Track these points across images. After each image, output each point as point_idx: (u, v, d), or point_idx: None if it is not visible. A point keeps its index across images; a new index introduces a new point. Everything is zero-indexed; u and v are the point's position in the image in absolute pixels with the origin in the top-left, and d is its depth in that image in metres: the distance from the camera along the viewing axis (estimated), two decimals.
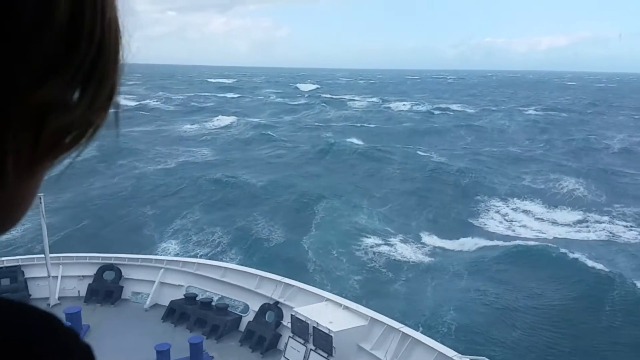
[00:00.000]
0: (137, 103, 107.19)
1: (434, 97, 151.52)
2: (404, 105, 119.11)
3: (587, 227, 35.99)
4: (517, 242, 32.15)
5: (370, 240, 32.90)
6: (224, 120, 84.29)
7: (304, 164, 52.45)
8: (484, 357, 8.29)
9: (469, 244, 32.98)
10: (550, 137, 74.41)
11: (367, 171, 49.68)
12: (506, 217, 38.15)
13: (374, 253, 31.11)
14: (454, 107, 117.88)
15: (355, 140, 66.15)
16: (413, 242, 33.20)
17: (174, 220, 35.20)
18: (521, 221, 37.27)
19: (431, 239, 33.69)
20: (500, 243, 32.31)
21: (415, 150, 60.93)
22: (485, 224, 37.09)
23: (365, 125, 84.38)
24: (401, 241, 33.12)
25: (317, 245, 31.90)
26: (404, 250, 31.80)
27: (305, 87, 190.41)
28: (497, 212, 39.41)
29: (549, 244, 31.26)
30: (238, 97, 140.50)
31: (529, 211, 39.57)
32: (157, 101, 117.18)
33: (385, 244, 32.49)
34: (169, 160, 54.08)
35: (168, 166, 51.35)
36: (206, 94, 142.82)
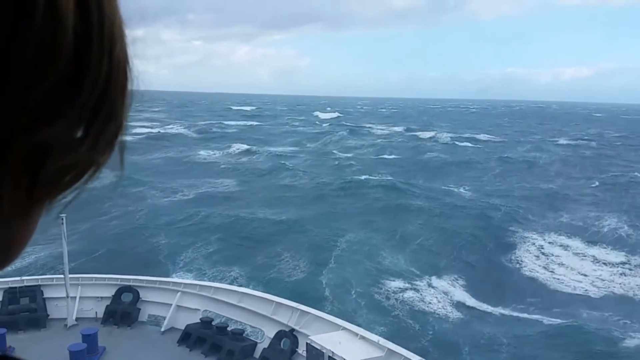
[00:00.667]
0: (159, 130, 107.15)
1: (460, 126, 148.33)
2: (428, 135, 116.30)
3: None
4: (559, 311, 27.77)
5: (394, 283, 29.95)
6: (242, 148, 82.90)
7: (321, 197, 49.73)
8: None
9: (505, 301, 29.09)
10: (583, 170, 70.86)
11: (390, 206, 46.68)
12: (546, 267, 34.14)
13: (397, 299, 28.13)
14: (481, 137, 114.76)
15: (378, 172, 63.58)
16: (440, 289, 30.05)
17: (185, 252, 33.54)
18: (561, 273, 33.14)
19: (461, 290, 30.17)
20: (541, 307, 28.22)
21: (442, 185, 57.91)
22: (522, 271, 33.68)
23: (388, 156, 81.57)
24: (427, 286, 30.05)
25: (335, 283, 29.23)
26: (430, 297, 28.72)
27: (326, 115, 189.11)
28: (534, 255, 35.96)
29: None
30: (258, 124, 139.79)
31: (569, 255, 36.10)
32: (180, 127, 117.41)
33: (409, 288, 29.49)
34: (187, 190, 52.19)
35: (185, 197, 49.44)
36: (229, 122, 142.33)
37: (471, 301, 28.69)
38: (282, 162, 70.28)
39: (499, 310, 27.76)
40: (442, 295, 29.27)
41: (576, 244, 37.87)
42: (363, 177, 59.65)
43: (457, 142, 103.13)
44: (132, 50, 0.50)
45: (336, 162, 73.33)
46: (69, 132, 0.46)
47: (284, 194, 51.07)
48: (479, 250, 36.39)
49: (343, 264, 32.63)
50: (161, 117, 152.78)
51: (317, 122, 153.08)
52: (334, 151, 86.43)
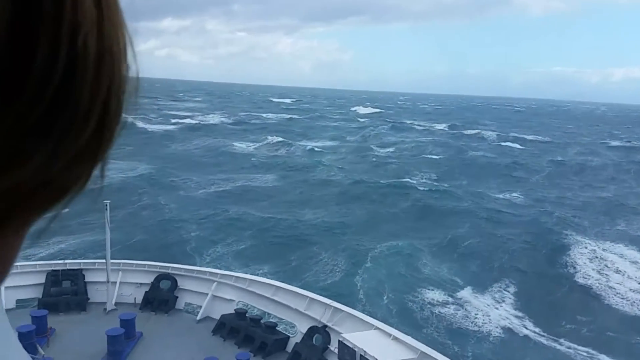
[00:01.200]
0: (198, 121, 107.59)
1: (505, 125, 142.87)
2: (472, 132, 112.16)
3: None
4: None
5: (431, 295, 27.83)
6: (278, 140, 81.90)
7: (358, 197, 47.52)
8: None
9: (557, 322, 26.40)
10: (638, 176, 66.35)
11: (431, 208, 44.14)
12: (604, 284, 30.85)
13: (433, 312, 26.01)
14: (529, 137, 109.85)
15: (419, 172, 61.06)
16: (484, 302, 27.72)
17: (215, 247, 32.85)
18: (620, 293, 29.95)
19: (508, 306, 27.71)
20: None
21: (487, 188, 54.81)
22: (577, 286, 30.79)
23: (429, 155, 78.50)
24: (468, 299, 27.74)
25: (368, 291, 27.43)
26: (473, 312, 26.44)
27: (365, 110, 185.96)
28: (590, 268, 32.97)
29: None
30: (298, 117, 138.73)
31: (629, 268, 33.00)
32: (219, 117, 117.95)
33: (449, 302, 27.30)
34: (223, 183, 51.24)
35: (221, 189, 48.49)
36: (268, 114, 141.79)
37: (518, 320, 26.21)
38: (318, 157, 68.69)
39: (549, 332, 25.23)
40: (486, 309, 26.94)
41: (634, 254, 34.78)
42: (404, 176, 57.27)
43: (502, 143, 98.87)
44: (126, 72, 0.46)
45: (374, 159, 71.10)
46: (47, 169, 0.43)
47: (319, 192, 49.31)
48: (529, 261, 33.62)
49: (379, 268, 30.74)
50: (202, 107, 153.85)
51: (356, 118, 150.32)
52: (373, 147, 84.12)
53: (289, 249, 33.10)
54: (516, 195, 52.32)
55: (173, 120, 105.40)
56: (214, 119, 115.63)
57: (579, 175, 67.31)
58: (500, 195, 52.21)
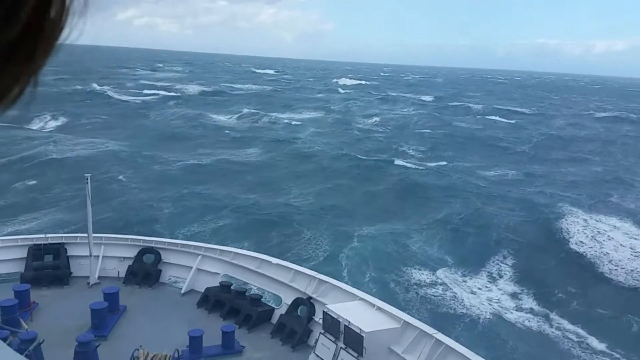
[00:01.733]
0: (175, 92, 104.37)
1: (493, 98, 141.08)
2: (456, 104, 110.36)
3: None
4: None
5: (418, 274, 26.27)
6: (256, 112, 79.62)
7: (339, 172, 45.49)
8: None
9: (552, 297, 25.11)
10: (625, 147, 65.57)
11: (415, 184, 42.02)
12: (597, 257, 29.46)
13: (419, 290, 24.73)
14: (515, 109, 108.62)
15: (403, 145, 58.93)
16: (473, 282, 26.28)
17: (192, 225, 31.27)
18: (614, 267, 28.75)
19: (501, 285, 26.34)
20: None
21: (474, 162, 53.00)
22: (570, 262, 29.46)
23: (414, 129, 75.93)
24: (455, 281, 26.23)
25: (351, 270, 25.80)
26: (465, 288, 25.12)
27: (348, 81, 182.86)
28: (584, 241, 31.57)
29: None
30: (280, 88, 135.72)
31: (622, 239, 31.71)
32: (197, 87, 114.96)
33: (437, 279, 25.89)
34: (203, 157, 48.77)
35: (197, 162, 46.13)
36: (251, 85, 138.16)
37: (509, 298, 24.88)
38: (299, 130, 66.45)
39: (543, 307, 23.95)
40: (476, 289, 25.54)
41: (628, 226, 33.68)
42: (386, 150, 55.25)
43: (487, 116, 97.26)
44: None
45: (357, 132, 69.00)
46: None
47: (300, 166, 47.13)
48: (520, 239, 32.12)
49: (364, 245, 29.00)
50: (181, 77, 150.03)
51: (339, 89, 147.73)
52: (356, 119, 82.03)
53: (270, 225, 31.27)
54: (502, 169, 50.76)
55: (149, 91, 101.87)
56: (192, 89, 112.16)
57: (566, 146, 66.19)
58: (488, 167, 50.87)
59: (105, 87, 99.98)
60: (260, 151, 53.19)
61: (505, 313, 23.43)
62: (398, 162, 50.00)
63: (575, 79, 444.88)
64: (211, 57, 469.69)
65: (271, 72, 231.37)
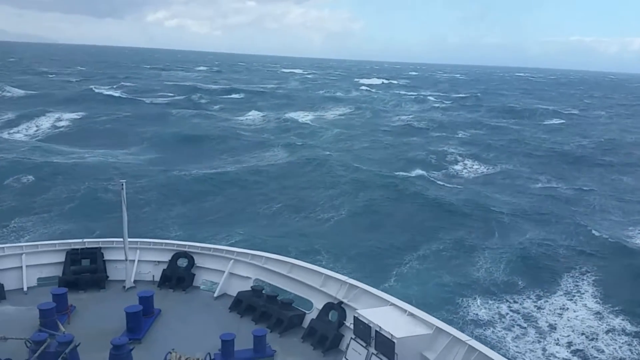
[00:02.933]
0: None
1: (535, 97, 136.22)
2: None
3: None
4: None
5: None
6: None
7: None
8: None
9: None
10: None
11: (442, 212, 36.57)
12: None
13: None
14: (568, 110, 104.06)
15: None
16: None
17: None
18: None
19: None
20: None
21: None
22: None
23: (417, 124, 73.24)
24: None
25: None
26: None
27: (370, 81, 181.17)
28: None
29: None
30: (309, 86, 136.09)
31: None
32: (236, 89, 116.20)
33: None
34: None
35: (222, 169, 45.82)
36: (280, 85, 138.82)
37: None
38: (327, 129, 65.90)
39: None
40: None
41: None
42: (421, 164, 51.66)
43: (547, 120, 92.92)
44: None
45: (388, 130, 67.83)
46: None
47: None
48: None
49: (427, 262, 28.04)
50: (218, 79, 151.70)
51: (368, 89, 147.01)
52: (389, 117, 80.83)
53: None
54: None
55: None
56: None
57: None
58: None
59: None
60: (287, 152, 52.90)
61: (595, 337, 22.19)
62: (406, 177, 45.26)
63: (610, 76, 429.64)
64: (240, 58, 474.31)
65: (298, 71, 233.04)
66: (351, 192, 39.49)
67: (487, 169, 51.19)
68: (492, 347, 8.92)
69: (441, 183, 45.07)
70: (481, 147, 60.50)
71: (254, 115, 79.66)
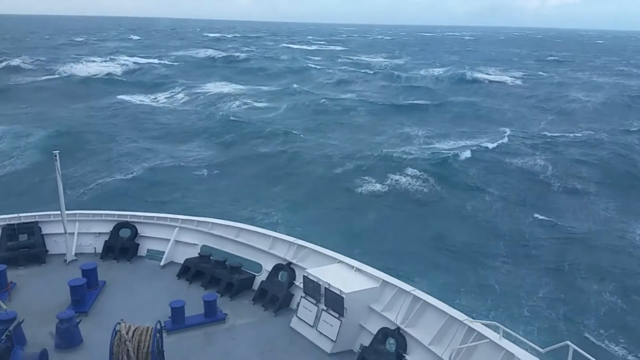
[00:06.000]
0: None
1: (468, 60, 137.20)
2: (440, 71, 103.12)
3: None
4: None
5: None
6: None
7: None
8: (495, 322, 7.80)
9: None
10: None
11: None
12: None
13: None
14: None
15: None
16: None
17: None
18: None
19: None
20: None
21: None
22: None
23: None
24: None
25: None
26: None
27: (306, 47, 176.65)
28: None
29: None
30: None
31: None
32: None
33: None
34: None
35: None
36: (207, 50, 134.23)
37: None
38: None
39: None
40: None
41: None
42: None
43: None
44: None
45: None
46: None
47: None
48: None
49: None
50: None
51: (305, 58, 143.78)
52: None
53: None
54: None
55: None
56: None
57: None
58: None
59: None
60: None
61: None
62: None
63: (531, 32, 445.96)
64: (164, 22, 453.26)
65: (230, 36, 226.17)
66: None
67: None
68: (435, 296, 9.22)
69: None
70: None
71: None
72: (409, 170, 36.75)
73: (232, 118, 53.69)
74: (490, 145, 45.31)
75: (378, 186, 34.31)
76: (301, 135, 47.55)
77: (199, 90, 72.81)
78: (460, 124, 56.77)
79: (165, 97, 69.42)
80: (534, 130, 54.17)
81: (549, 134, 51.76)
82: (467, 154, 42.03)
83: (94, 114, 56.48)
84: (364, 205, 31.59)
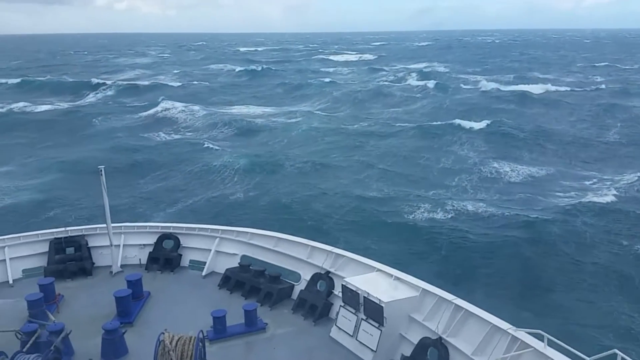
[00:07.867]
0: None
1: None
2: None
3: None
4: None
5: None
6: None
7: None
8: (539, 331, 7.39)
9: None
10: None
11: None
12: None
13: None
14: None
15: None
16: None
17: None
18: None
19: None
20: None
21: None
22: None
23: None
24: None
25: None
26: None
27: (343, 58, 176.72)
28: None
29: None
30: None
31: None
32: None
33: None
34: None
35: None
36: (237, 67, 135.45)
37: None
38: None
39: None
40: None
41: None
42: None
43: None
44: None
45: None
46: None
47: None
48: None
49: None
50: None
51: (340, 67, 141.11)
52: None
53: None
54: None
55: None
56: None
57: None
58: None
59: None
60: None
61: None
62: None
63: (570, 34, 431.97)
64: (198, 37, 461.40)
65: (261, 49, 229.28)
66: None
67: None
68: (476, 304, 9.01)
69: None
70: None
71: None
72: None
73: None
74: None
75: None
76: None
77: None
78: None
79: None
80: None
81: None
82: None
83: None
84: None
